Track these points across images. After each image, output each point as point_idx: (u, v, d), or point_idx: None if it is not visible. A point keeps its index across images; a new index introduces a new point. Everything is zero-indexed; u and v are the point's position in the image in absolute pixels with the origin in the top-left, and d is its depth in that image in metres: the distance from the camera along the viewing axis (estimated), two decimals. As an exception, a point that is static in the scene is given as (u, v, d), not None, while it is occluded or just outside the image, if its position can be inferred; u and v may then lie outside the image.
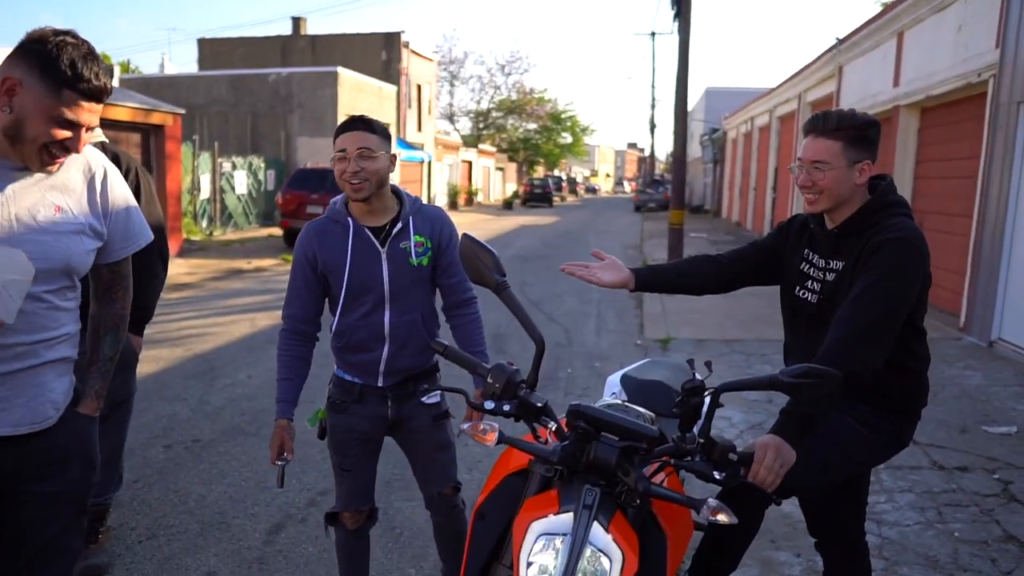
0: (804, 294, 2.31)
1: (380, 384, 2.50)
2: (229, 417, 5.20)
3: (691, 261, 2.57)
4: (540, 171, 57.72)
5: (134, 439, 4.68)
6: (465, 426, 1.77)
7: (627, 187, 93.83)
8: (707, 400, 1.80)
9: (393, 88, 27.30)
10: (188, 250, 14.78)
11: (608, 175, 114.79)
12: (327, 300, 2.53)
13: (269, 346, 7.29)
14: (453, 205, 35.34)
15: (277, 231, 17.59)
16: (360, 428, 2.54)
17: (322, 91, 22.49)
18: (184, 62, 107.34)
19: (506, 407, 1.80)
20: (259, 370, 6.41)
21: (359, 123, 2.34)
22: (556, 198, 48.70)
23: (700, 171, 40.94)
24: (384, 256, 2.41)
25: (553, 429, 1.80)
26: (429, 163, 32.54)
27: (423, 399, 2.47)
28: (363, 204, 2.37)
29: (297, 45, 30.44)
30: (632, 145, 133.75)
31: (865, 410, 2.19)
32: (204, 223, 17.86)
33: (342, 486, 2.64)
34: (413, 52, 30.33)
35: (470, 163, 41.74)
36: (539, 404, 1.80)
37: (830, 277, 2.24)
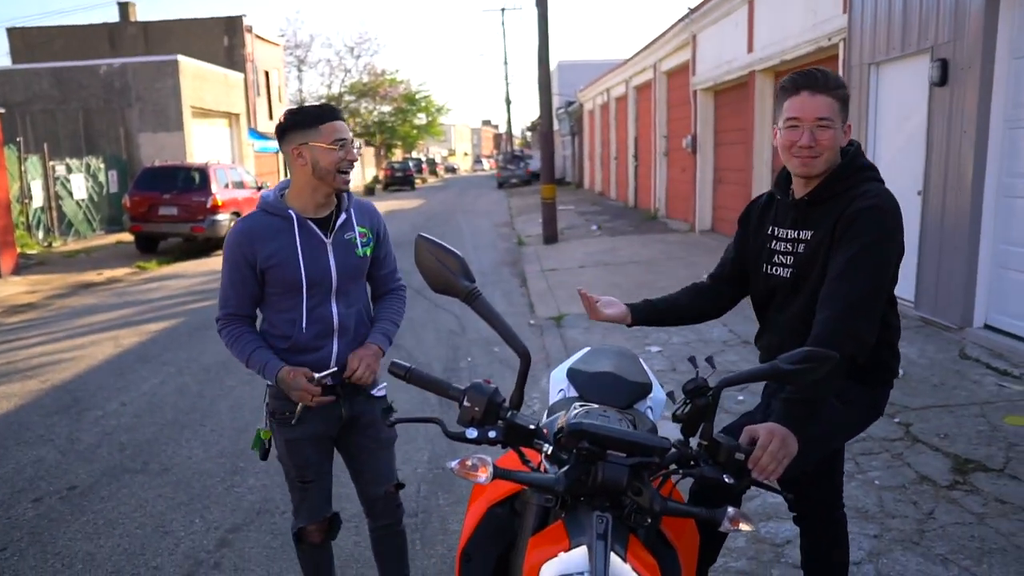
0: (776, 270, 2.21)
1: (330, 382, 2.39)
2: (107, 455, 4.62)
3: (684, 293, 2.49)
4: (399, 154, 56.77)
5: (-5, 496, 4.07)
6: (452, 464, 1.53)
7: (486, 164, 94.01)
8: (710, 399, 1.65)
9: (240, 76, 25.78)
10: (25, 266, 13.33)
11: (466, 153, 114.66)
12: (262, 300, 2.43)
13: (140, 367, 6.62)
14: (314, 195, 33.99)
15: (127, 237, 16.22)
16: (316, 433, 2.45)
17: (162, 82, 20.87)
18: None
19: (491, 434, 1.58)
20: (133, 395, 5.79)
21: (340, 113, 2.33)
22: (418, 180, 48.07)
23: (559, 144, 41.56)
24: (330, 247, 2.37)
25: (548, 451, 1.59)
26: (284, 153, 31.13)
27: (372, 391, 2.51)
28: (319, 197, 2.35)
29: (127, 32, 28.12)
30: (487, 122, 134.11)
31: (842, 384, 2.12)
32: (41, 234, 16.21)
33: (305, 501, 2.53)
34: (257, 37, 28.77)
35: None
36: (531, 426, 1.58)
37: (801, 248, 2.13)
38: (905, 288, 6.99)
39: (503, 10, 42.15)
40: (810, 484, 2.31)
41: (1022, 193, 5.89)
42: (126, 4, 28.52)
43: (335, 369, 2.38)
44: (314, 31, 51.86)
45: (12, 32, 28.57)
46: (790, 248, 2.17)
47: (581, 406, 1.86)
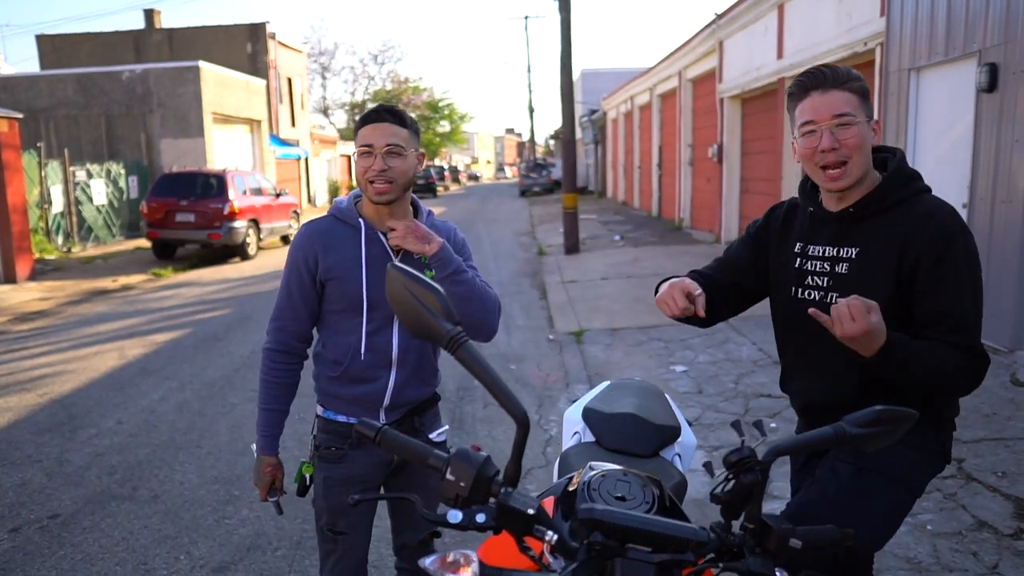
0: (809, 294, 1.90)
1: (383, 421, 2.14)
2: (95, 479, 4.34)
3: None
4: (421, 161, 56.65)
5: (-31, 526, 3.81)
6: (428, 561, 1.21)
7: (508, 172, 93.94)
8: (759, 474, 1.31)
9: (262, 82, 25.73)
10: (42, 271, 13.23)
11: (489, 161, 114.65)
12: (320, 320, 2.19)
13: (142, 380, 6.38)
14: (335, 202, 34.06)
15: (146, 243, 16.10)
16: (360, 478, 2.16)
17: (183, 88, 20.82)
18: (20, 60, 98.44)
19: (480, 517, 1.24)
20: (131, 412, 5.53)
21: (388, 114, 2.06)
22: (440, 188, 47.92)
23: (582, 152, 41.19)
24: None
25: (553, 540, 1.25)
26: (306, 159, 31.11)
27: (431, 435, 2.25)
28: (382, 207, 2.08)
29: (152, 39, 28.22)
30: (510, 130, 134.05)
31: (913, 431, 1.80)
32: (60, 239, 16.14)
33: (331, 556, 2.20)
34: (280, 43, 28.77)
35: (349, 157, 40.38)
36: (530, 511, 1.24)
37: (842, 268, 1.84)
38: (948, 307, 6.55)
39: (526, 18, 42.10)
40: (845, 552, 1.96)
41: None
42: (151, 11, 28.63)
43: (275, 499, 2.16)
44: (338, 38, 52.03)
45: (41, 38, 28.80)
46: (828, 268, 1.87)
47: (593, 470, 1.52)
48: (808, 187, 1.97)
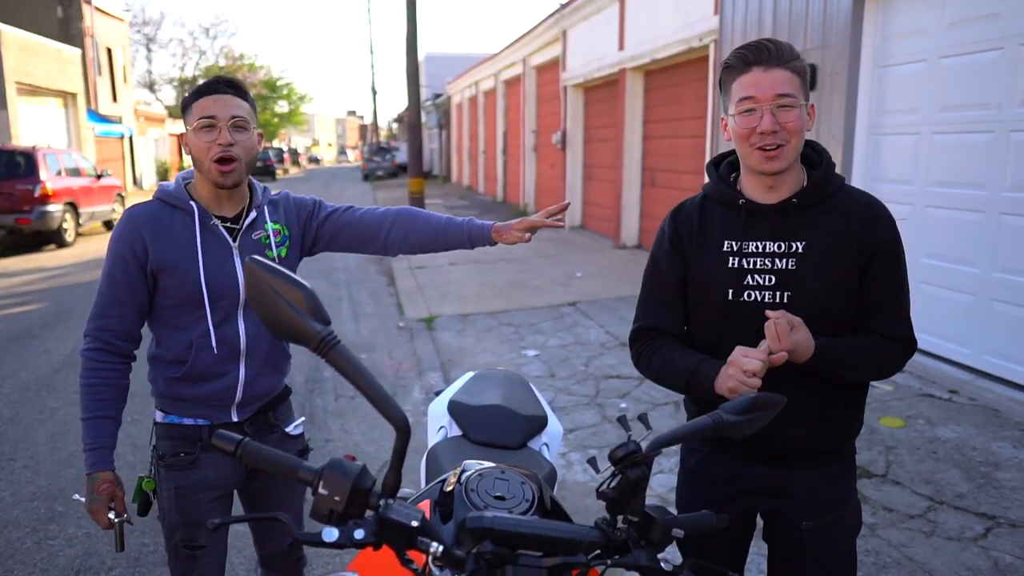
0: (752, 295, 1.74)
1: (235, 419, 2.00)
2: None
3: (679, 353, 1.82)
4: (259, 142, 54.15)
5: None
6: None
7: (350, 156, 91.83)
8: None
9: (76, 51, 23.44)
10: None
11: (330, 144, 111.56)
12: (152, 316, 1.98)
13: (-62, 385, 5.62)
14: (163, 184, 31.80)
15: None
16: (214, 483, 2.00)
17: (-21, 54, 18.60)
18: None
19: (358, 533, 1.15)
20: (-74, 422, 4.86)
21: (228, 86, 1.89)
22: (279, 170, 46.03)
23: (426, 136, 40.93)
24: (236, 251, 1.94)
25: (438, 552, 1.18)
26: (131, 138, 28.78)
27: (288, 428, 2.12)
28: (222, 190, 1.91)
29: (-64, -3, 24.95)
30: (351, 112, 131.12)
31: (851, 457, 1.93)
32: None
33: (192, 573, 2.01)
34: (98, 9, 26.33)
35: (179, 136, 37.83)
36: (413, 523, 1.16)
37: (790, 264, 1.71)
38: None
39: (369, -2, 41.01)
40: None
41: (884, 193, 6.05)
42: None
43: (122, 520, 1.89)
44: (165, 8, 48.42)
45: None
46: (769, 265, 1.73)
47: (468, 470, 1.47)
48: (725, 177, 1.81)
